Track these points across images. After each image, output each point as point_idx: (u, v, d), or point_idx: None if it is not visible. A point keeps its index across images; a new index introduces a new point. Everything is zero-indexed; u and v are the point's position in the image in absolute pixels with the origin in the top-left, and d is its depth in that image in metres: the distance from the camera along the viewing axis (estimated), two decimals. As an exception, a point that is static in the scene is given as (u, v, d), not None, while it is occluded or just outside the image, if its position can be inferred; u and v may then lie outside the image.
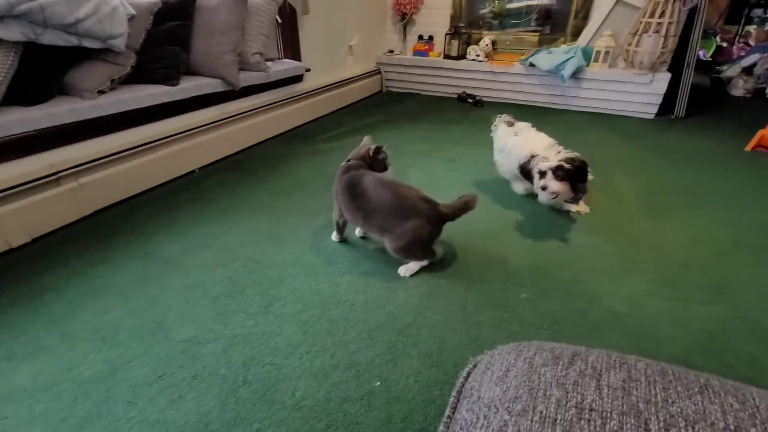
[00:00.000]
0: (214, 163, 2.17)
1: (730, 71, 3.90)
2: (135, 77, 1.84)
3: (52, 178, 1.49)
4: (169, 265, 1.34)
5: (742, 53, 4.21)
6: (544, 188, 1.51)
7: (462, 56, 3.47)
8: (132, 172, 1.76)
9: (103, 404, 0.88)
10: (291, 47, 2.73)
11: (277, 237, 1.50)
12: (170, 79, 1.89)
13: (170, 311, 1.14)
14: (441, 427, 0.34)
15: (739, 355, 1.01)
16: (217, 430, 0.83)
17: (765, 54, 3.70)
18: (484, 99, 3.43)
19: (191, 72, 2.08)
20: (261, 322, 1.11)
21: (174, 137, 1.93)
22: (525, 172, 1.66)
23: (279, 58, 2.70)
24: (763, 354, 1.01)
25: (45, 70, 1.55)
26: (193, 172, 2.06)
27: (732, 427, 0.26)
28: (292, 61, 2.69)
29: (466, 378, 0.38)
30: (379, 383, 0.93)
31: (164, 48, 1.90)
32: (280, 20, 2.57)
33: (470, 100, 3.41)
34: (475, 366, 0.39)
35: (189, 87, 1.95)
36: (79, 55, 1.64)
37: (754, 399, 0.28)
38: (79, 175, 1.58)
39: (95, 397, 0.90)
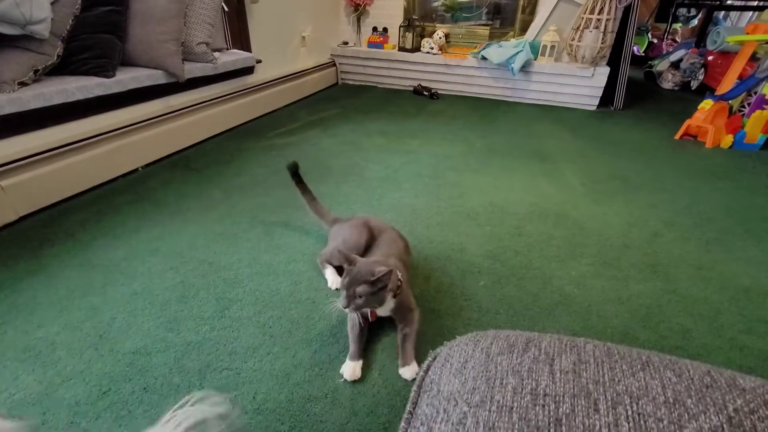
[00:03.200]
0: (159, 160, 2.03)
1: (660, 65, 4.22)
2: (63, 68, 1.67)
3: (-33, 182, 1.33)
4: (111, 273, 1.24)
5: (670, 49, 4.58)
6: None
7: (416, 49, 3.49)
8: (64, 173, 1.60)
9: (38, 428, 0.81)
10: (240, 37, 2.61)
11: (231, 237, 1.44)
12: (104, 71, 1.74)
13: (114, 322, 1.06)
14: (402, 423, 0.34)
15: (672, 326, 1.11)
16: (172, 444, 0.78)
17: (689, 50, 4.05)
18: (440, 92, 3.48)
19: (129, 63, 1.93)
20: (217, 326, 1.06)
21: (112, 133, 1.78)
22: None
23: (227, 49, 2.57)
24: (693, 324, 1.11)
25: (-50, 58, 1.37)
26: (135, 170, 1.91)
27: (671, 400, 0.28)
28: (241, 51, 2.57)
29: (426, 371, 0.38)
30: (343, 380, 0.92)
31: (96, 36, 1.74)
32: (226, 8, 2.44)
33: (426, 93, 3.44)
34: (435, 359, 0.40)
35: (126, 79, 1.80)
36: (-7, 43, 1.47)
37: (689, 371, 0.30)
38: (1, 177, 1.41)
39: (29, 421, 0.82)
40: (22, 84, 1.50)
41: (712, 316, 1.14)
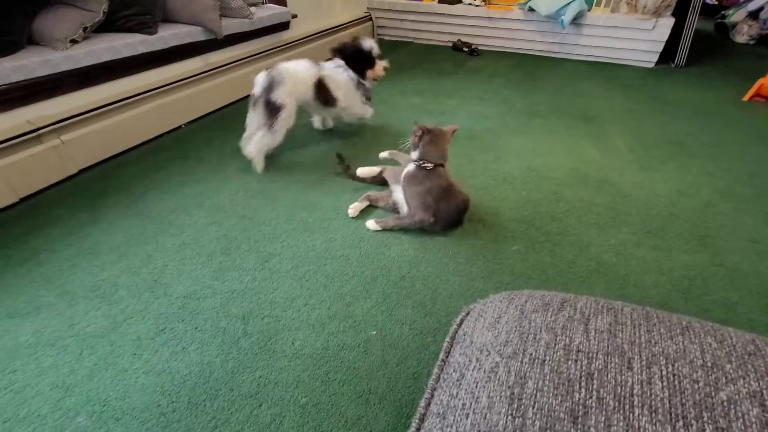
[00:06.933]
0: (200, 118, 2.09)
1: (735, 16, 3.74)
2: (108, 25, 1.71)
3: (33, 136, 1.43)
4: (162, 224, 1.33)
5: (750, -4, 4.02)
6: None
7: (458, 0, 3.28)
8: (116, 129, 1.69)
9: (108, 357, 0.92)
10: (275, -10, 2.55)
11: (269, 194, 1.49)
12: (147, 27, 1.77)
13: (167, 269, 1.16)
14: (435, 370, 0.36)
15: (716, 299, 1.06)
16: (221, 378, 0.87)
17: (773, -3, 3.55)
18: (480, 48, 3.29)
19: (169, 19, 1.95)
20: (258, 277, 1.13)
21: (157, 91, 1.84)
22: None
23: (263, 3, 2.52)
24: (739, 298, 1.06)
25: (10, 17, 1.44)
26: (179, 128, 1.99)
27: (709, 364, 0.28)
28: (276, 6, 2.52)
29: (460, 325, 0.39)
30: (375, 332, 0.97)
31: (137, -9, 1.75)
32: (261, -41, 2.37)
33: (465, 50, 3.26)
34: (468, 314, 0.41)
35: (168, 36, 1.83)
36: (46, 0, 1.52)
37: (731, 338, 0.30)
38: (61, 132, 1.52)
39: (100, 351, 0.93)
40: (74, 42, 1.56)
41: (763, 292, 1.08)
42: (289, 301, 1.06)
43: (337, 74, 1.69)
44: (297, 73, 1.57)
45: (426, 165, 1.23)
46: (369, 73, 1.76)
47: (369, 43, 1.74)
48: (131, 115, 1.74)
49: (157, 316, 1.01)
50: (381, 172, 1.50)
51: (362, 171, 1.50)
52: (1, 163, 1.36)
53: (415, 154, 1.25)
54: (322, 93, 1.64)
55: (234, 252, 1.22)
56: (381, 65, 1.77)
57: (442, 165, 1.25)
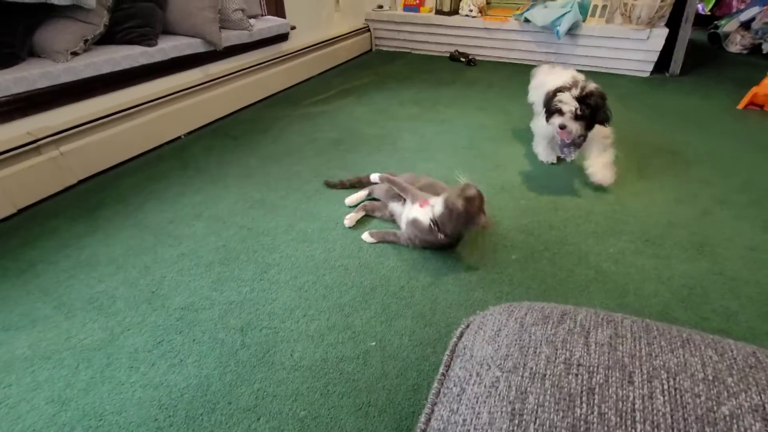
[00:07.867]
0: (200, 128, 2.10)
1: (727, 26, 3.80)
2: (109, 37, 1.73)
3: (32, 147, 1.43)
4: (160, 235, 1.33)
5: (742, 6, 4.09)
6: (562, 127, 1.48)
7: (455, 11, 3.32)
8: (115, 139, 1.70)
9: (105, 370, 0.91)
10: (274, 3, 2.58)
11: (268, 204, 1.49)
12: (147, 39, 1.79)
13: (165, 280, 1.15)
14: (435, 384, 0.36)
15: (716, 308, 1.06)
16: (219, 391, 0.86)
17: (765, 7, 3.60)
18: (477, 58, 3.33)
19: (169, 31, 1.97)
20: (256, 288, 1.12)
21: (156, 102, 1.85)
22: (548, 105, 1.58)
23: (262, 15, 2.55)
24: (738, 307, 1.06)
25: (11, 29, 1.45)
26: (179, 138, 2.00)
27: (711, 378, 0.27)
28: (276, 18, 2.55)
29: (459, 338, 0.39)
30: (374, 343, 0.96)
31: (138, 4, 1.78)
32: (261, -28, 2.41)
33: (463, 60, 3.30)
34: (467, 326, 0.41)
35: (168, 48, 1.85)
36: (47, 13, 1.54)
37: (732, 351, 0.30)
38: (60, 143, 1.52)
39: (97, 364, 0.92)
40: (74, 54, 1.57)
41: (763, 300, 1.08)
42: (287, 312, 1.05)
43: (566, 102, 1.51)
44: (543, 78, 1.88)
45: (440, 234, 1.15)
46: (568, 124, 1.49)
47: (594, 101, 1.46)
48: (131, 126, 1.75)
49: (155, 328, 1.01)
50: (369, 194, 1.49)
51: (350, 200, 1.47)
52: (0, 175, 1.36)
53: (438, 209, 1.14)
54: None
55: (233, 263, 1.21)
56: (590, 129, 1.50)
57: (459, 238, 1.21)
